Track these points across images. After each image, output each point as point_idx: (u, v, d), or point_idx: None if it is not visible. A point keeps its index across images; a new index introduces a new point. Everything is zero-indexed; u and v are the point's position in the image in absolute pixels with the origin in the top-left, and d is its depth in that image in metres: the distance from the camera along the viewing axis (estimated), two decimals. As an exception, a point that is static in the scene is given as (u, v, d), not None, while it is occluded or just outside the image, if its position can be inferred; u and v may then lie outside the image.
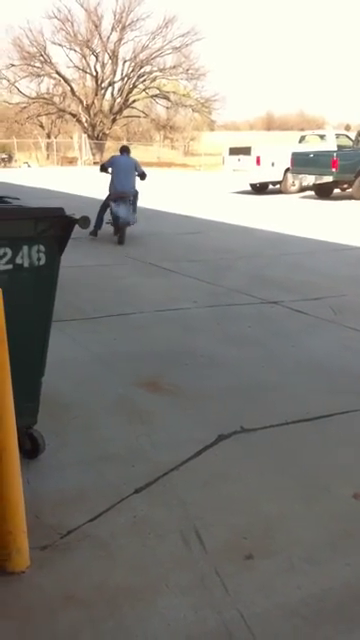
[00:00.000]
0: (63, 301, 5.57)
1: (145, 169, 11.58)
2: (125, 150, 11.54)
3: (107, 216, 11.02)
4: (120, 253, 9.77)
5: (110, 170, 11.16)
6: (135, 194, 11.18)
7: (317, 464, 3.42)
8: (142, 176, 11.23)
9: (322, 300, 6.88)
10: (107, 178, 11.35)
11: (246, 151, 21.31)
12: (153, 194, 18.56)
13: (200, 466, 3.38)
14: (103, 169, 11.45)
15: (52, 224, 3.13)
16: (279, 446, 3.62)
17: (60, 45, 46.83)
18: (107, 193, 11.19)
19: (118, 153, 11.64)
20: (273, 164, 20.65)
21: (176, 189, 23.28)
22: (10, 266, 3.05)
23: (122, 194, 10.82)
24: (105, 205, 11.08)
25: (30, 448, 3.34)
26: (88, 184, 22.99)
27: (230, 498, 3.08)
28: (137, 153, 20.25)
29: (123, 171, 10.96)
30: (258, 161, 20.65)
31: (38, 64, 46.52)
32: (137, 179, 11.20)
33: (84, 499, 3.03)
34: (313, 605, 2.38)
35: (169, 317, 6.24)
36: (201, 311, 6.50)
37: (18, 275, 3.07)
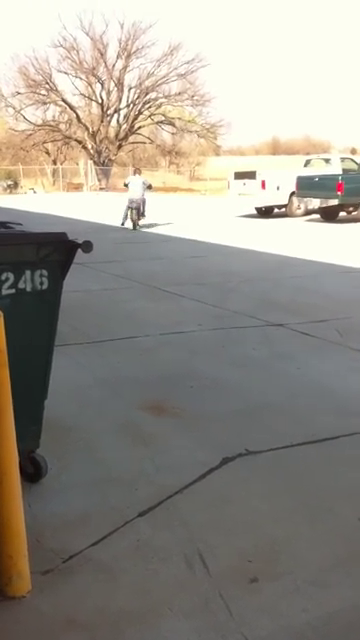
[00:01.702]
0: (68, 325, 5.61)
1: (151, 192, 19.27)
2: (136, 171, 19.12)
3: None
4: (125, 277, 9.80)
5: (128, 185, 18.04)
6: (143, 200, 17.76)
7: (322, 486, 3.39)
8: (149, 187, 18.49)
9: (328, 322, 6.87)
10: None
11: (251, 175, 21.42)
12: (159, 219, 18.71)
13: (204, 489, 3.35)
14: (125, 185, 18.41)
15: (55, 249, 3.15)
16: (284, 468, 3.60)
17: (66, 73, 47.25)
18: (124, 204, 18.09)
19: (131, 173, 19.54)
20: (278, 188, 20.75)
21: (182, 213, 23.38)
22: (13, 290, 3.06)
23: (133, 201, 17.55)
24: (127, 207, 17.74)
25: (32, 472, 3.33)
26: (94, 210, 23.15)
27: (235, 521, 3.05)
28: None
29: (134, 186, 17.73)
30: (263, 185, 20.76)
31: (44, 92, 46.94)
32: (147, 190, 18.12)
33: (87, 523, 3.01)
34: (320, 628, 2.35)
35: (174, 340, 6.24)
36: (206, 334, 6.50)
37: (21, 299, 3.09)
